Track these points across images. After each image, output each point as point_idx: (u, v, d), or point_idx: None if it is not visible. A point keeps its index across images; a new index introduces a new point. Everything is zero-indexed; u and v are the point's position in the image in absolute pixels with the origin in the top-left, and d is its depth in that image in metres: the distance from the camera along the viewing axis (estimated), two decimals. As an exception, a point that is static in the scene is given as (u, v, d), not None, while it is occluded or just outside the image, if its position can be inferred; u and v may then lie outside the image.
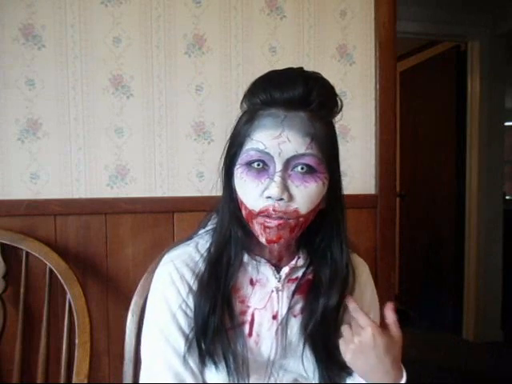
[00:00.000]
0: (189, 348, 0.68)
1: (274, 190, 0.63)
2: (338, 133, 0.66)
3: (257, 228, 0.66)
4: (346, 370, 0.72)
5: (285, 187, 0.64)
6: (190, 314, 0.70)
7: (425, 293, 3.47)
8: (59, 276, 1.08)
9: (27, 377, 1.12)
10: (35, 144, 1.20)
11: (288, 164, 0.64)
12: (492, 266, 3.01)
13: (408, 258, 3.63)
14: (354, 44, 1.37)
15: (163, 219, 1.25)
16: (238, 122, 0.70)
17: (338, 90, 0.69)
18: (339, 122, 1.41)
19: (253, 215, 0.66)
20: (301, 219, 0.66)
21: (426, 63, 3.43)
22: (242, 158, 0.67)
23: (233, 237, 0.71)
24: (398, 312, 0.70)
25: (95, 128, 1.23)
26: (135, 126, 1.25)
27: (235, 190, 0.69)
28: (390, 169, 1.39)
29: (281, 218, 0.64)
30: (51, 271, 1.10)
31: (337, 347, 0.70)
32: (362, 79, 1.37)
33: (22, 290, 1.11)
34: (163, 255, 0.76)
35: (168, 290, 0.71)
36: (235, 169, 0.68)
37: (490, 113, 2.94)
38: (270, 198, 0.64)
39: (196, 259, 0.72)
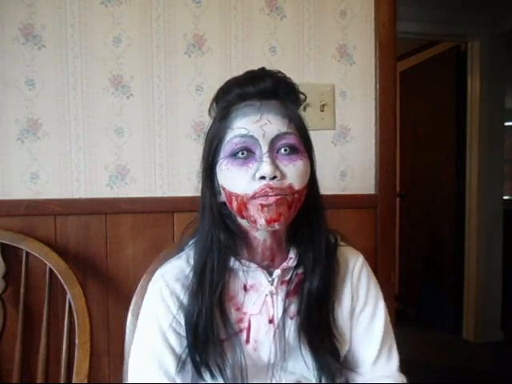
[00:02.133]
0: (181, 368, 0.67)
1: (267, 168, 0.63)
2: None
3: (253, 212, 0.65)
4: (339, 360, 0.71)
5: (276, 166, 0.65)
6: (182, 331, 0.69)
7: (425, 293, 3.47)
8: (59, 276, 1.08)
9: (27, 377, 1.12)
10: (35, 144, 1.20)
11: (273, 145, 0.66)
12: (492, 266, 3.00)
13: (408, 258, 3.63)
14: (354, 44, 1.36)
15: (163, 219, 1.25)
16: (212, 124, 0.72)
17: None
18: (339, 122, 1.41)
19: (247, 200, 0.65)
20: (296, 195, 0.66)
21: (426, 63, 3.43)
22: (225, 149, 0.67)
23: (215, 241, 0.70)
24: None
25: (95, 128, 1.23)
26: (135, 125, 1.25)
27: (218, 190, 0.70)
28: (390, 169, 1.39)
29: (278, 194, 0.64)
30: (51, 271, 1.10)
31: (329, 334, 0.70)
32: (361, 79, 1.37)
33: (22, 289, 1.11)
34: (161, 258, 0.75)
35: (159, 308, 0.70)
36: (218, 164, 0.69)
37: (489, 113, 2.94)
38: (263, 178, 0.64)
39: (186, 272, 0.72)
